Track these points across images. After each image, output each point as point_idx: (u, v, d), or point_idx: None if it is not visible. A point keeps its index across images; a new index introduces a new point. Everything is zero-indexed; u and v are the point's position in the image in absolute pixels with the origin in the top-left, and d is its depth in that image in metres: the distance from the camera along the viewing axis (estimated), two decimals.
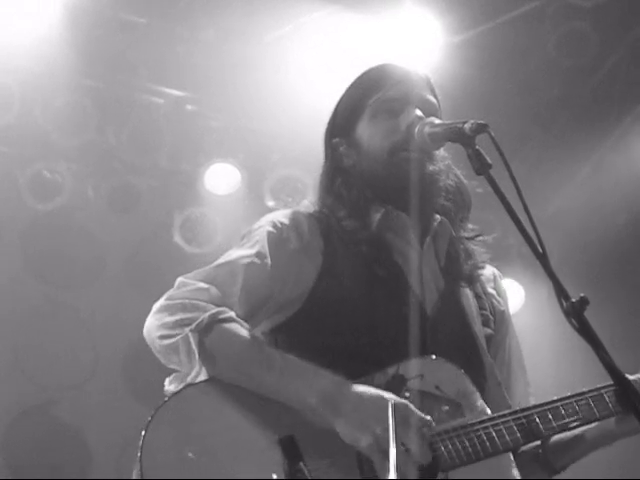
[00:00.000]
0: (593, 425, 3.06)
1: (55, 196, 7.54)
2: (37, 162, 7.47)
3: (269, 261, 3.02)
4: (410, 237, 3.16)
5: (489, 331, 3.21)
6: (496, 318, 3.27)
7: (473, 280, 3.22)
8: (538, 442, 3.11)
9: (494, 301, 3.30)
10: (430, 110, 3.16)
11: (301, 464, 2.71)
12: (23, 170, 7.46)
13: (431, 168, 3.13)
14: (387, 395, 2.75)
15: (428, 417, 2.74)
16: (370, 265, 3.07)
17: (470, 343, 3.11)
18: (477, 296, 3.22)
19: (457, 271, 3.19)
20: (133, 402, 7.39)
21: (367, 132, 3.19)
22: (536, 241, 2.60)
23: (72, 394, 7.71)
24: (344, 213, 3.15)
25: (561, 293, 2.55)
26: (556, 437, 3.11)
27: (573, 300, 2.53)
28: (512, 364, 3.31)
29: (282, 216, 3.15)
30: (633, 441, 3.17)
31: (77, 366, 7.73)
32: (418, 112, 3.12)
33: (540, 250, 2.60)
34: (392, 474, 2.50)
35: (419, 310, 3.06)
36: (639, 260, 8.14)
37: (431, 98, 3.22)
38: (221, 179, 7.77)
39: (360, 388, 2.77)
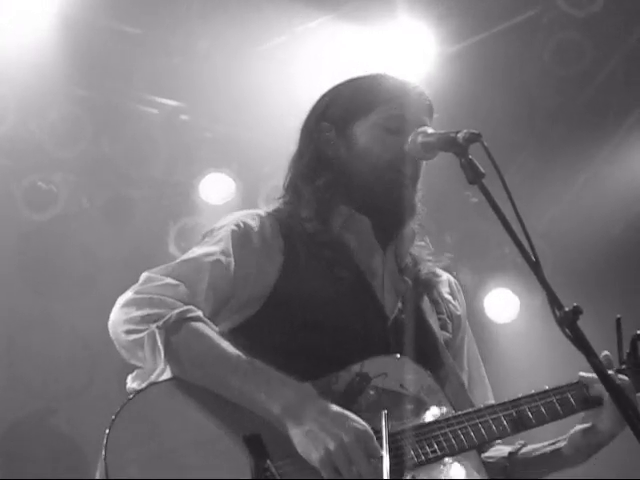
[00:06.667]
0: (566, 442, 3.08)
1: (50, 206, 7.53)
2: (32, 173, 7.47)
3: (232, 260, 3.01)
4: (372, 241, 3.16)
5: (447, 335, 3.24)
6: (453, 323, 3.31)
7: (430, 285, 3.25)
8: (506, 454, 3.13)
9: (450, 306, 3.33)
10: None
11: (268, 462, 2.71)
12: (18, 180, 7.45)
13: (414, 200, 3.15)
14: (349, 414, 2.74)
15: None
16: (331, 267, 3.08)
17: (431, 345, 3.14)
18: (434, 301, 3.26)
19: (415, 276, 3.21)
20: None
21: (368, 134, 3.17)
22: (529, 250, 2.61)
23: (69, 404, 7.70)
24: (307, 213, 3.14)
25: (554, 302, 2.56)
26: (526, 451, 3.14)
27: (566, 309, 2.53)
28: (471, 370, 3.34)
29: (244, 216, 3.14)
30: (631, 441, 3.16)
31: (74, 377, 7.72)
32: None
33: (533, 259, 2.61)
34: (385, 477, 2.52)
35: (380, 312, 3.09)
36: (634, 270, 8.14)
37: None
38: (216, 189, 7.77)
39: (324, 403, 2.76)
